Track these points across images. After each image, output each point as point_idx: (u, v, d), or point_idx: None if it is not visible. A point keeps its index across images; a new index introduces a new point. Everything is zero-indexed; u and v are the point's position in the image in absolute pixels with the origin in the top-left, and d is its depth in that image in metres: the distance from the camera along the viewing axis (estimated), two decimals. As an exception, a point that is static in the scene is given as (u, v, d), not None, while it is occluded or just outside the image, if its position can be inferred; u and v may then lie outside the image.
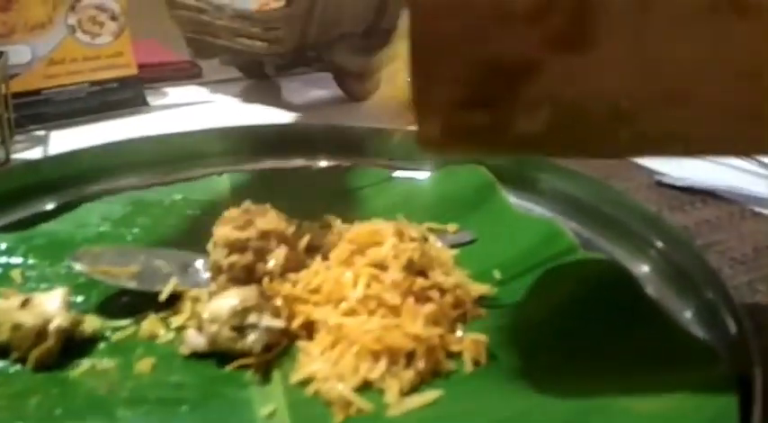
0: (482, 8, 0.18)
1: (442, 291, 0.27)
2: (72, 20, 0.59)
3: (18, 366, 0.26)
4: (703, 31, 0.17)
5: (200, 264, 0.32)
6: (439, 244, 0.33)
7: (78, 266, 0.30)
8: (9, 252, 0.33)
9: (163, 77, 0.73)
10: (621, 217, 0.34)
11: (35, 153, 0.53)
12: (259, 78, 0.74)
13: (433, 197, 0.40)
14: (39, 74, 0.58)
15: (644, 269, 0.32)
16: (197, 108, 0.66)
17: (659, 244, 0.31)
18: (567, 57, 0.18)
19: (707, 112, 0.18)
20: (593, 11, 0.17)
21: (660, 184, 0.44)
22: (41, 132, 0.57)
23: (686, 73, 0.18)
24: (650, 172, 0.45)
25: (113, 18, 0.61)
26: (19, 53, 0.57)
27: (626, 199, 0.35)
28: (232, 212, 0.31)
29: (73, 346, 0.27)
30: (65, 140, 0.55)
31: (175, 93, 0.71)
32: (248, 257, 0.29)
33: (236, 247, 0.30)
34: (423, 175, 0.43)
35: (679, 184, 0.43)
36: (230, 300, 0.26)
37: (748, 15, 0.16)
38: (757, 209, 0.40)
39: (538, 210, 0.38)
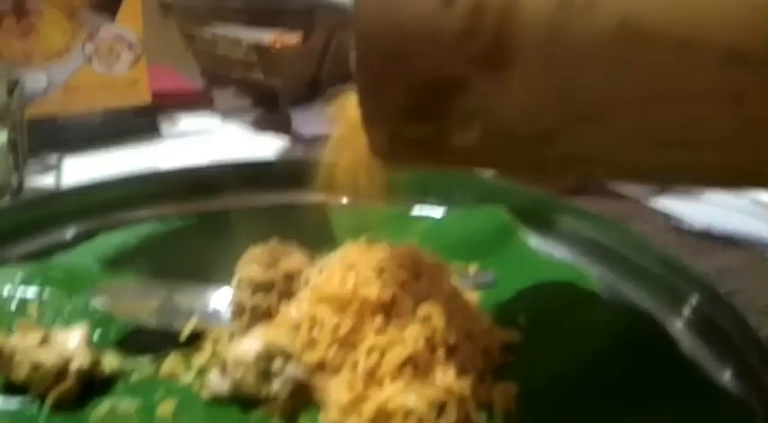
0: (414, 29, 0.19)
1: (471, 337, 0.27)
2: (89, 48, 0.59)
3: (35, 406, 0.25)
4: (608, 60, 0.18)
5: (220, 299, 0.31)
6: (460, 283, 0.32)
7: (98, 302, 0.30)
8: (25, 283, 0.33)
9: (175, 105, 0.73)
10: (644, 262, 0.34)
11: (47, 179, 0.53)
12: (271, 109, 0.75)
13: (451, 236, 0.40)
14: (54, 101, 0.58)
15: (670, 318, 0.31)
16: (208, 137, 0.66)
17: (686, 292, 0.31)
18: (491, 75, 0.19)
19: (622, 136, 0.20)
20: (510, 35, 0.18)
21: (677, 229, 0.44)
22: (54, 159, 0.57)
23: (596, 97, 0.19)
24: (667, 217, 0.45)
25: (130, 47, 0.61)
26: (35, 80, 0.57)
27: (649, 243, 0.35)
28: (256, 250, 0.31)
29: (92, 384, 0.26)
30: (77, 167, 0.55)
31: (187, 121, 0.71)
32: (272, 299, 0.29)
33: (260, 287, 0.29)
34: (440, 214, 0.43)
35: (697, 229, 0.43)
36: (255, 343, 0.26)
37: (648, 46, 0.17)
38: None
39: (558, 253, 0.38)
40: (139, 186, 0.42)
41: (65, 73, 0.59)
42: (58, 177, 0.53)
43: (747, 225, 0.44)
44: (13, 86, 0.49)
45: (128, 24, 0.60)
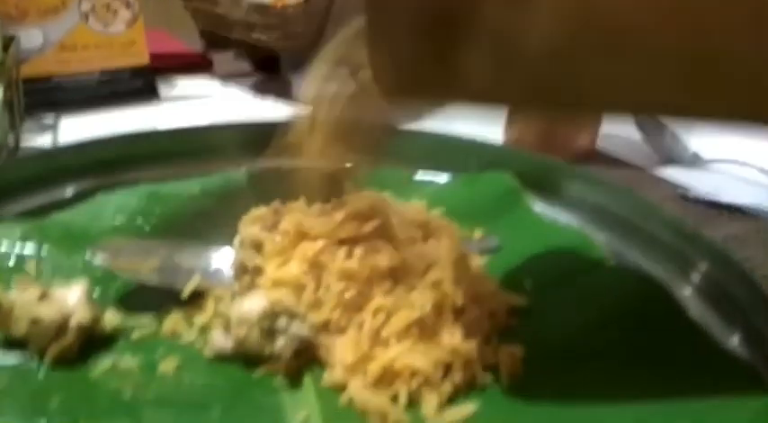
0: None
1: (478, 300, 0.26)
2: (86, 6, 0.58)
3: (36, 361, 0.25)
4: None
5: (222, 259, 0.31)
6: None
7: (99, 259, 0.29)
8: (23, 240, 0.32)
9: (173, 68, 0.71)
10: (653, 228, 0.34)
11: (44, 140, 0.51)
12: (271, 72, 0.73)
13: (456, 201, 0.39)
14: (50, 59, 0.57)
15: (678, 283, 0.31)
16: (207, 101, 0.65)
17: (695, 258, 0.30)
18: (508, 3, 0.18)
19: (644, 61, 0.19)
20: None
21: (684, 198, 0.43)
22: (50, 118, 0.56)
23: (620, 23, 0.18)
24: (674, 186, 0.45)
25: (127, 6, 0.60)
26: (31, 37, 0.55)
27: (658, 210, 0.34)
28: (259, 211, 0.30)
29: (92, 341, 0.26)
30: (74, 128, 0.54)
31: (186, 84, 0.70)
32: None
33: (262, 248, 0.29)
34: (445, 178, 0.43)
35: (703, 198, 0.43)
36: (259, 302, 0.25)
37: None
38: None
39: (564, 218, 0.38)
40: (139, 145, 0.41)
41: (60, 31, 0.57)
42: (55, 137, 0.52)
43: (754, 194, 0.43)
44: (8, 43, 0.48)
45: (125, -18, 0.58)
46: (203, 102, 0.65)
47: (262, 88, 0.71)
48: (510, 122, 0.50)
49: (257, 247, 0.29)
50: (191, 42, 0.77)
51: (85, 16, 0.58)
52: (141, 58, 0.62)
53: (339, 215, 0.27)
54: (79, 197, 0.37)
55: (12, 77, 0.48)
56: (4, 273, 0.30)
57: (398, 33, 0.20)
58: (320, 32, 0.60)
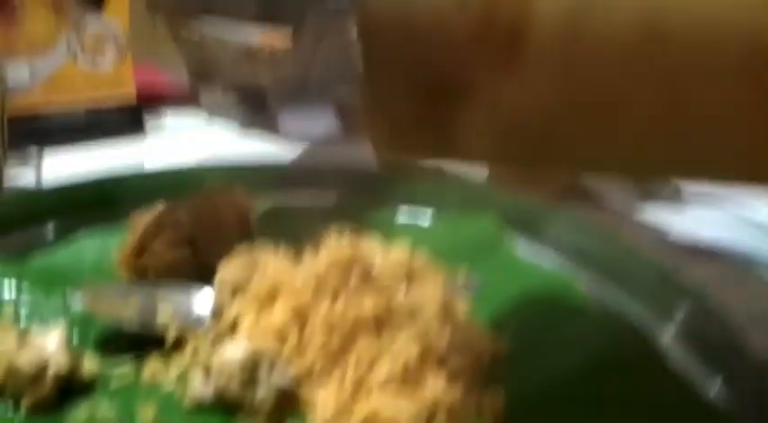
0: (426, 25, 0.19)
1: (462, 346, 0.26)
2: (75, 43, 0.58)
3: (11, 410, 0.24)
4: (627, 59, 0.18)
5: (202, 301, 0.30)
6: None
7: (77, 302, 0.29)
8: (2, 280, 0.32)
9: (160, 102, 0.72)
10: (633, 271, 0.34)
11: (27, 174, 0.51)
12: (258, 108, 0.74)
13: (439, 242, 0.39)
14: (37, 95, 0.57)
15: (658, 327, 0.31)
16: (194, 135, 0.66)
17: (675, 302, 0.31)
18: (503, 73, 0.19)
19: (635, 131, 0.19)
20: (526, 34, 0.18)
21: (663, 240, 0.44)
22: (35, 153, 0.56)
23: (612, 95, 0.19)
24: (652, 227, 0.46)
25: (116, 43, 0.60)
26: (18, 73, 0.56)
27: (638, 252, 0.35)
28: (239, 254, 0.30)
29: (70, 387, 0.26)
30: (58, 163, 0.54)
31: (172, 118, 0.70)
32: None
33: (240, 290, 0.29)
34: (428, 217, 0.43)
35: (682, 241, 0.43)
36: (241, 349, 0.25)
37: (670, 45, 0.17)
38: (761, 270, 0.40)
39: (546, 260, 0.38)
40: (123, 185, 0.41)
41: (49, 67, 0.57)
42: (39, 173, 0.52)
43: (731, 238, 0.44)
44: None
45: (115, 19, 0.59)
46: (190, 136, 0.65)
47: (248, 123, 0.71)
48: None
49: (237, 290, 0.28)
50: (178, 76, 0.78)
51: (74, 53, 0.58)
52: (128, 94, 0.62)
53: (322, 264, 0.27)
54: (61, 237, 0.37)
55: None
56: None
57: (396, 100, 0.20)
58: (307, 73, 0.61)
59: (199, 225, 0.33)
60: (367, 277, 0.27)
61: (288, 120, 0.73)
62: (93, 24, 0.59)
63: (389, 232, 0.41)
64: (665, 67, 0.18)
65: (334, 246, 0.28)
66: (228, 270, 0.29)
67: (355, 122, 0.66)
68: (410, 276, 0.28)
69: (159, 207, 0.33)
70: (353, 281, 0.26)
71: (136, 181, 0.42)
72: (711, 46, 0.17)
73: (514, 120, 0.20)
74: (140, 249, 0.32)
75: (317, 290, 0.26)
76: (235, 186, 0.37)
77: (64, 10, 0.57)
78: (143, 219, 0.33)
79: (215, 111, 0.73)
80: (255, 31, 0.61)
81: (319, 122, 0.71)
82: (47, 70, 0.57)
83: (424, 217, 0.43)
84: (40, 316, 0.30)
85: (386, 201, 0.44)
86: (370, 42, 0.20)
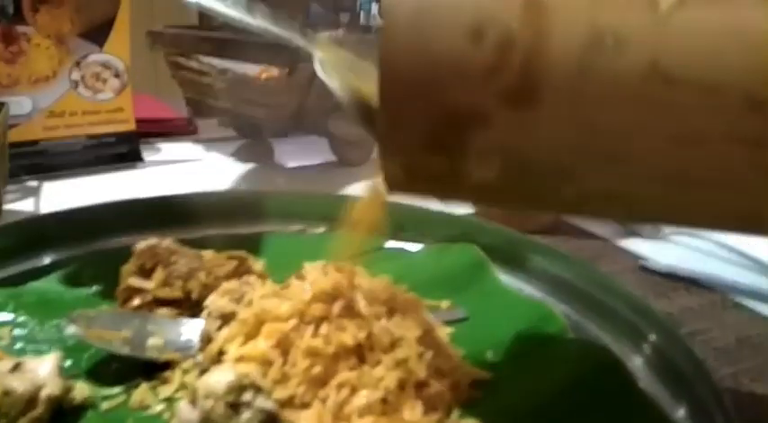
0: (442, 64, 0.19)
1: (441, 374, 0.27)
2: (76, 75, 0.60)
3: (4, 433, 0.25)
4: (635, 101, 0.19)
5: (192, 329, 0.31)
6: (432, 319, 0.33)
7: (71, 330, 0.30)
8: (-1, 309, 0.33)
9: (158, 133, 0.74)
10: (610, 302, 0.35)
11: (26, 204, 0.53)
12: (254, 139, 0.76)
13: (425, 271, 0.41)
14: (38, 125, 0.59)
15: (631, 356, 0.32)
16: (191, 165, 0.67)
17: (647, 332, 0.32)
18: (515, 112, 0.19)
19: (643, 174, 0.20)
20: (538, 73, 0.19)
21: (644, 269, 0.45)
22: (34, 183, 0.57)
23: (621, 136, 0.19)
24: (635, 256, 0.47)
25: (117, 75, 0.62)
26: (20, 104, 0.57)
27: (615, 284, 0.36)
28: (229, 284, 0.31)
29: (61, 412, 0.27)
30: (57, 192, 0.56)
31: (170, 148, 0.72)
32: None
33: (229, 319, 0.30)
34: (414, 248, 0.44)
35: (663, 270, 0.45)
36: (226, 375, 0.26)
37: (675, 88, 0.18)
38: (739, 299, 0.42)
39: (528, 290, 0.39)
40: (119, 213, 0.42)
41: (50, 98, 0.59)
42: (38, 201, 0.53)
43: (711, 267, 0.45)
44: (-2, 111, 0.50)
45: (115, 52, 0.61)
46: (187, 166, 0.67)
47: (244, 153, 0.73)
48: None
49: (225, 318, 0.30)
50: (176, 108, 0.80)
51: (75, 84, 0.60)
52: (128, 124, 0.64)
53: (307, 294, 0.28)
54: (57, 265, 0.38)
55: (1, 143, 0.50)
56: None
57: (410, 146, 0.21)
58: (302, 103, 0.63)
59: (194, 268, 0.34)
60: (350, 307, 0.28)
61: (282, 149, 0.75)
62: (95, 58, 0.61)
63: (376, 256, 0.42)
64: (669, 108, 0.18)
65: (319, 276, 0.29)
66: (217, 300, 0.30)
67: (349, 153, 0.68)
68: (392, 305, 0.29)
69: (156, 240, 0.34)
70: (336, 310, 0.27)
71: (130, 207, 0.43)
72: (713, 89, 0.18)
73: (525, 155, 0.20)
74: (131, 290, 0.33)
75: (301, 319, 0.27)
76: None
77: (67, 45, 0.59)
78: (139, 252, 0.33)
79: (211, 142, 0.75)
80: (252, 64, 0.63)
81: (313, 152, 0.73)
82: (48, 102, 0.59)
83: (411, 247, 0.44)
84: (34, 342, 0.31)
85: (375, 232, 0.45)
86: (389, 78, 0.20)
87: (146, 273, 0.33)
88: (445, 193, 0.24)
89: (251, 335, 0.27)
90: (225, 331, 0.29)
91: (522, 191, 0.22)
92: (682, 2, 0.18)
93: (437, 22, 0.19)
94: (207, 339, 0.29)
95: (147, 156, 0.66)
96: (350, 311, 0.28)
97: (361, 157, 0.69)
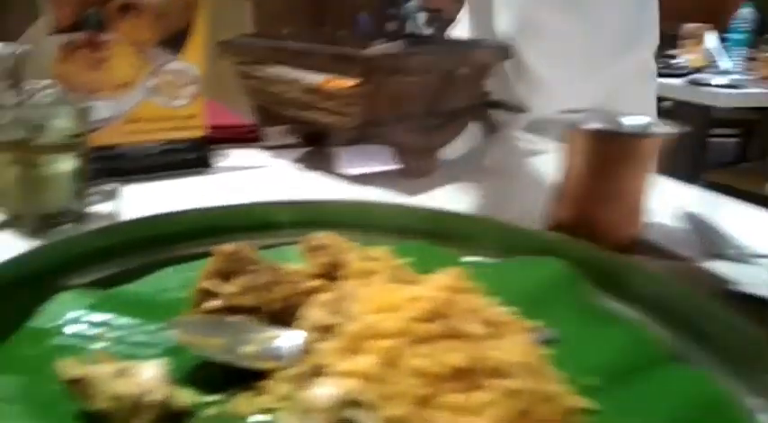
0: None
1: (544, 399, 0.27)
2: (153, 82, 0.62)
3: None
4: None
5: (289, 339, 0.31)
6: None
7: (170, 335, 0.30)
8: (93, 310, 0.33)
9: (226, 139, 0.75)
10: (717, 330, 0.33)
11: (105, 207, 0.54)
12: (318, 146, 0.76)
13: (509, 287, 0.39)
14: (116, 130, 0.61)
15: (747, 392, 0.30)
16: (257, 171, 0.68)
17: (756, 362, 0.30)
18: None
19: None
20: None
21: (731, 294, 0.43)
22: (112, 187, 0.58)
23: None
24: (722, 279, 0.45)
25: (191, 83, 0.64)
26: (101, 110, 0.59)
27: (725, 311, 0.34)
28: (326, 295, 0.31)
29: (163, 418, 0.27)
30: (132, 195, 0.57)
31: (237, 155, 0.73)
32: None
33: (327, 332, 0.30)
34: (494, 262, 0.43)
35: (752, 293, 0.43)
36: (331, 390, 0.26)
37: None
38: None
39: (620, 311, 0.38)
40: (204, 220, 0.43)
41: (128, 104, 0.61)
42: (116, 205, 0.54)
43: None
44: (84, 116, 0.51)
45: (191, 61, 0.62)
46: (253, 172, 0.68)
47: (308, 161, 0.73)
48: (553, 207, 0.51)
49: (324, 330, 0.29)
50: (244, 114, 0.81)
51: (152, 92, 0.62)
52: (199, 130, 0.65)
53: (411, 311, 0.27)
54: (145, 270, 0.39)
55: (84, 148, 0.51)
56: (75, 342, 0.31)
57: None
58: (370, 113, 0.63)
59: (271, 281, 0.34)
60: (454, 326, 0.27)
61: (345, 157, 0.75)
62: (171, 66, 0.62)
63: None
64: None
65: (422, 292, 0.29)
66: (315, 312, 0.30)
67: (412, 163, 0.68)
68: (495, 326, 0.29)
69: (236, 246, 0.34)
70: (443, 329, 0.27)
71: (217, 213, 0.43)
72: None
73: None
74: (206, 293, 0.33)
75: (406, 336, 0.27)
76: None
77: (146, 53, 0.60)
78: (218, 256, 0.33)
79: (277, 149, 0.75)
80: (322, 74, 0.63)
81: (375, 160, 0.73)
82: (126, 108, 0.61)
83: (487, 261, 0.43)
84: (133, 346, 0.31)
85: (449, 245, 0.45)
86: None
87: (223, 277, 0.33)
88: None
89: (354, 350, 0.27)
90: (324, 344, 0.28)
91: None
92: None
93: None
94: (306, 350, 0.29)
95: (215, 161, 0.67)
96: (455, 330, 0.27)
97: (427, 166, 0.68)
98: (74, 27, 0.57)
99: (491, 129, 0.81)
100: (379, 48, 0.67)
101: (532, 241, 0.43)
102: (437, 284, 0.30)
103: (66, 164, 0.49)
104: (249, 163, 0.70)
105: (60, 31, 0.57)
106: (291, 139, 0.78)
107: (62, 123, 0.49)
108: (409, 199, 0.59)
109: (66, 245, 0.38)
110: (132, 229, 0.41)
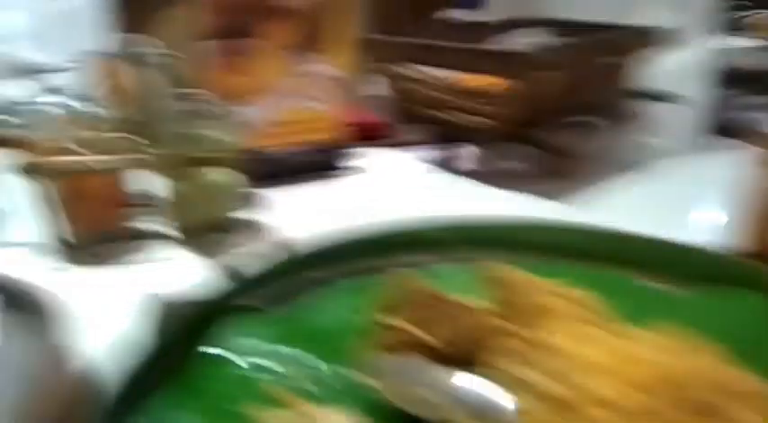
0: None
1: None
2: (296, 86, 0.61)
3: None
4: None
5: (503, 397, 0.27)
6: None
7: (363, 379, 0.28)
8: (277, 342, 0.32)
9: (362, 138, 0.74)
10: None
11: (255, 212, 0.54)
12: (457, 146, 0.74)
13: (706, 325, 0.35)
14: (261, 134, 0.61)
15: None
16: (397, 173, 0.67)
17: None
18: None
19: None
20: None
21: None
22: (261, 191, 0.59)
23: None
24: None
25: (333, 86, 0.63)
26: (248, 114, 0.59)
27: None
28: (513, 343, 0.28)
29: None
30: (276, 199, 0.57)
31: (372, 155, 0.72)
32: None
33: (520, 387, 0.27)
34: (690, 293, 0.38)
35: None
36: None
37: None
38: None
39: None
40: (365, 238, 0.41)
41: (272, 108, 0.61)
42: (265, 210, 0.55)
43: None
44: (238, 126, 0.51)
45: (335, 64, 0.61)
46: (388, 174, 0.66)
47: (446, 161, 0.71)
48: (747, 228, 0.45)
49: (535, 392, 0.27)
50: (385, 114, 0.79)
51: (295, 95, 0.61)
52: (341, 132, 0.64)
53: (638, 375, 0.24)
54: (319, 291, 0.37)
55: (237, 159, 0.51)
56: (258, 376, 0.30)
57: None
58: (518, 114, 0.59)
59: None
60: (686, 398, 0.24)
61: (481, 157, 0.72)
62: (314, 69, 0.61)
63: (644, 304, 0.37)
64: None
65: (646, 352, 0.25)
66: (521, 369, 0.27)
67: (555, 163, 0.64)
68: (730, 394, 0.25)
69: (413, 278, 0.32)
70: (680, 403, 0.24)
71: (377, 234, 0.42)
72: None
73: None
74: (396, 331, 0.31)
75: (632, 407, 0.24)
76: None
77: (288, 57, 0.60)
78: (411, 297, 0.31)
79: (419, 150, 0.73)
80: (467, 73, 0.60)
81: (513, 161, 0.69)
82: (271, 111, 0.61)
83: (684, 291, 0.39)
84: (323, 387, 0.30)
85: (629, 269, 0.41)
86: None
87: (400, 311, 0.31)
88: None
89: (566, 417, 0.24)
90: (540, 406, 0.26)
91: None
92: None
93: None
94: (522, 413, 0.27)
95: (351, 161, 0.67)
96: (685, 403, 0.24)
97: (568, 168, 0.64)
98: (222, 34, 0.57)
99: (636, 123, 0.75)
100: (531, 43, 0.63)
101: (727, 269, 0.38)
102: (660, 343, 0.26)
103: (224, 174, 0.50)
104: (383, 164, 0.69)
105: (209, 37, 0.57)
106: (433, 140, 0.75)
107: (219, 134, 0.50)
108: (554, 202, 0.55)
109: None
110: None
